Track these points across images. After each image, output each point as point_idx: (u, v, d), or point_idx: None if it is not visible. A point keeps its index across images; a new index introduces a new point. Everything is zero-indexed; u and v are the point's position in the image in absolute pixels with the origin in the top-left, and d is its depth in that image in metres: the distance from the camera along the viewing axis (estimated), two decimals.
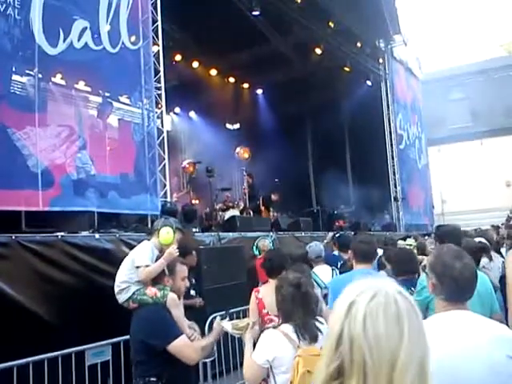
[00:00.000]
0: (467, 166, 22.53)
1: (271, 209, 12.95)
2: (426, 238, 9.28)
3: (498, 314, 3.21)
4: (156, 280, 3.58)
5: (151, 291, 3.55)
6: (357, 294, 1.13)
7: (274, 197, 13.11)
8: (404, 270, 4.22)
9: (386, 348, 1.06)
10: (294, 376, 2.46)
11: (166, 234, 3.97)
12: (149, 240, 4.23)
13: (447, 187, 22.22)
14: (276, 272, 4.04)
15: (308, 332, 2.71)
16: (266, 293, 4.02)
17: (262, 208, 12.77)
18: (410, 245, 7.05)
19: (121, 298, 3.80)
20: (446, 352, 1.93)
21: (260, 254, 7.00)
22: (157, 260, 3.74)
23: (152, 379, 3.07)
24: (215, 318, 5.18)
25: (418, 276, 4.65)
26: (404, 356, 1.06)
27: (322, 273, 5.08)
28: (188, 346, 3.17)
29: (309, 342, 2.68)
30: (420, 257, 5.28)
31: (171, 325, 3.25)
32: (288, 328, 2.76)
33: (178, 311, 3.43)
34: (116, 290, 3.79)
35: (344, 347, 1.08)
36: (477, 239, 6.72)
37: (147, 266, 3.77)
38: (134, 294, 3.73)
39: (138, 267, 3.82)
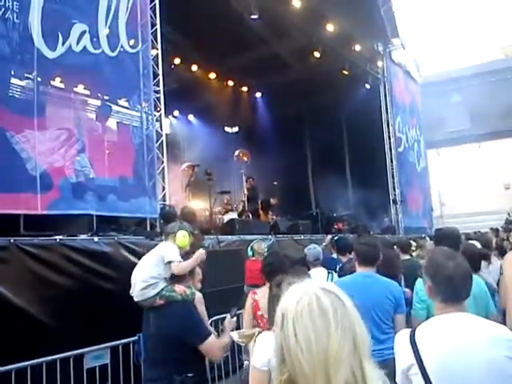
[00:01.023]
0: (466, 169, 22.54)
1: (270, 212, 12.94)
2: (428, 241, 9.28)
3: (493, 315, 3.22)
4: (179, 279, 3.64)
5: (180, 288, 3.57)
6: (286, 302, 1.19)
7: (272, 201, 13.11)
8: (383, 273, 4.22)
9: (316, 343, 1.11)
10: None
11: (183, 237, 3.98)
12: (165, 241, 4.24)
13: (446, 190, 22.23)
14: (275, 276, 4.03)
15: None
16: (263, 295, 4.03)
17: (261, 212, 12.77)
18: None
19: (146, 294, 3.71)
20: (444, 353, 1.95)
21: (253, 256, 6.97)
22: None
23: (189, 375, 3.16)
24: (216, 320, 5.20)
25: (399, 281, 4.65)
26: (334, 345, 1.10)
27: (318, 276, 5.07)
28: (216, 344, 3.33)
29: None
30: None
31: (203, 322, 3.45)
32: None
33: (203, 309, 3.60)
34: (142, 285, 3.70)
35: (287, 358, 1.14)
36: (472, 242, 6.73)
37: (180, 261, 3.79)
38: (162, 290, 3.69)
39: (169, 262, 3.76)
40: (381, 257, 3.84)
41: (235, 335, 3.31)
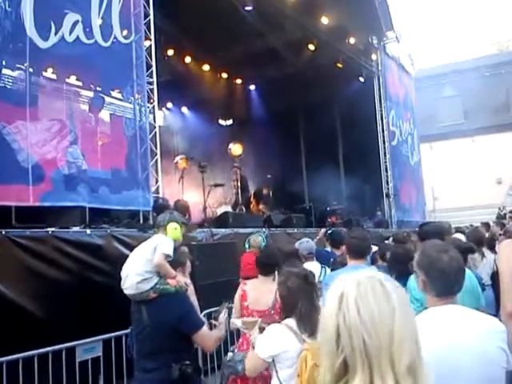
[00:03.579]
0: (459, 163, 22.68)
1: (261, 204, 12.92)
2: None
3: (482, 307, 3.23)
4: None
5: (173, 281, 3.60)
6: (343, 286, 1.17)
7: (265, 191, 13.10)
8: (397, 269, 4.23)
9: (381, 324, 1.10)
10: (303, 369, 2.43)
11: (174, 229, 3.95)
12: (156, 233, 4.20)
13: (439, 184, 22.35)
14: (270, 270, 4.06)
15: (313, 325, 2.69)
16: (253, 287, 4.06)
17: (253, 201, 12.76)
18: None
19: (141, 288, 3.72)
20: (437, 344, 1.96)
21: (249, 248, 7.02)
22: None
23: (187, 363, 3.20)
24: (210, 313, 5.20)
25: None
26: (399, 328, 1.11)
27: (311, 269, 5.08)
28: (209, 335, 3.39)
29: (314, 336, 2.66)
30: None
31: (197, 313, 3.54)
32: (292, 322, 2.76)
33: (195, 299, 3.64)
34: (137, 279, 3.69)
35: (344, 339, 1.12)
36: (456, 235, 6.75)
37: (168, 256, 3.76)
38: (156, 284, 3.70)
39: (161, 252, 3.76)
40: (372, 249, 3.86)
41: (239, 322, 3.37)
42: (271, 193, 13.47)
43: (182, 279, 3.62)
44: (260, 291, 4.04)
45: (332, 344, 1.13)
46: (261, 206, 12.88)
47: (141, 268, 3.74)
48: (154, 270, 3.72)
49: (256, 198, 13.08)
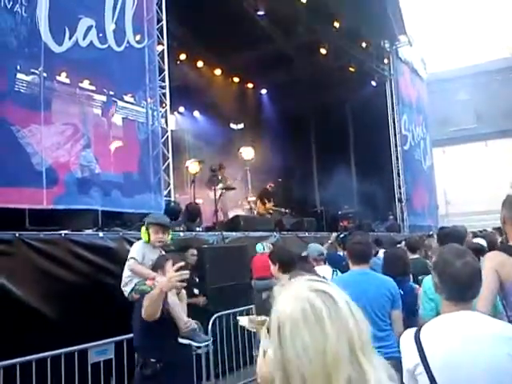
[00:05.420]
0: (472, 168, 22.46)
1: (267, 203, 12.85)
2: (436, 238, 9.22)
3: (500, 313, 3.20)
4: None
5: (150, 281, 3.73)
6: (278, 314, 1.18)
7: (269, 189, 13.04)
8: (393, 271, 4.22)
9: (315, 352, 1.11)
10: None
11: (143, 233, 4.24)
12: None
13: (451, 188, 22.16)
14: (291, 267, 3.96)
15: None
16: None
17: (259, 204, 12.73)
18: None
19: (126, 291, 3.94)
20: (449, 351, 1.95)
21: (264, 250, 7.11)
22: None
23: (152, 360, 3.29)
24: (220, 317, 5.18)
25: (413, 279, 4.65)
26: (330, 351, 1.11)
27: (322, 273, 5.07)
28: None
29: None
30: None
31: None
32: None
33: (174, 297, 3.55)
34: (122, 284, 3.91)
35: (289, 371, 1.13)
36: (475, 240, 6.67)
37: (134, 259, 4.12)
38: (135, 285, 3.88)
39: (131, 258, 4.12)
40: (373, 254, 3.85)
41: (245, 320, 3.30)
42: (275, 189, 13.37)
43: (162, 280, 3.59)
44: None
45: (281, 379, 1.15)
46: (267, 206, 12.81)
47: (124, 274, 3.99)
48: (131, 274, 3.94)
49: (261, 199, 13.03)
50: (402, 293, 3.90)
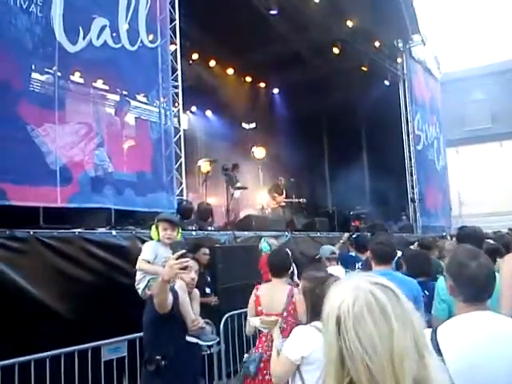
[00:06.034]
0: (486, 168, 22.19)
1: (277, 198, 12.76)
2: (449, 239, 9.15)
3: None
4: None
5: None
6: (338, 305, 1.15)
7: (278, 183, 12.96)
8: (418, 271, 4.20)
9: (381, 347, 1.09)
10: None
11: (152, 231, 4.26)
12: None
13: (465, 189, 21.91)
14: (284, 272, 4.07)
15: None
16: (266, 291, 4.06)
17: (270, 201, 12.65)
18: None
19: (140, 289, 3.99)
20: (466, 352, 1.93)
21: (270, 250, 7.00)
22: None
23: (157, 357, 3.29)
24: (232, 316, 5.18)
25: (434, 279, 4.61)
26: (398, 349, 1.09)
27: (336, 274, 5.04)
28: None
29: None
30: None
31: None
32: (320, 324, 2.74)
33: (184, 295, 3.59)
34: (136, 282, 3.95)
35: (348, 362, 1.11)
36: (488, 241, 6.60)
37: (145, 260, 4.16)
38: (148, 282, 3.90)
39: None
40: (396, 255, 3.83)
41: (257, 321, 3.32)
42: (286, 182, 13.29)
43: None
44: (273, 295, 4.02)
45: (337, 366, 1.13)
46: (279, 199, 12.73)
47: (137, 274, 4.14)
48: (143, 272, 4.06)
49: (272, 194, 12.95)
50: (427, 293, 3.86)
